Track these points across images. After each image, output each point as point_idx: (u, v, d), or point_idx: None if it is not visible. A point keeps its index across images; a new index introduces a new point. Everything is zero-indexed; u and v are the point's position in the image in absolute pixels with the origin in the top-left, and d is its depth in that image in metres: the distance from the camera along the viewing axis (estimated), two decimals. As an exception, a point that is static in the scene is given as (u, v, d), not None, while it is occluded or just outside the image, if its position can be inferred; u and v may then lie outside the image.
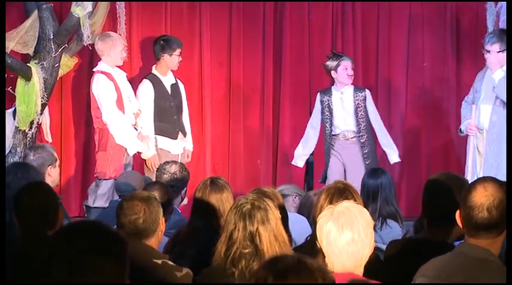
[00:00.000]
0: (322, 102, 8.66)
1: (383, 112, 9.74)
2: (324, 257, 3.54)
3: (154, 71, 8.52)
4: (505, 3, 8.82)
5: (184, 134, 8.65)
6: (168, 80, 8.56)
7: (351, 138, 8.56)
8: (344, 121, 8.57)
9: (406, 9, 9.80)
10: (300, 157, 8.78)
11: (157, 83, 8.46)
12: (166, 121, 8.48)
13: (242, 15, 9.56)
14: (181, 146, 8.60)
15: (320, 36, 9.67)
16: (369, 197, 5.82)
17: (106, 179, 8.12)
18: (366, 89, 8.77)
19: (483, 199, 3.26)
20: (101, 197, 8.10)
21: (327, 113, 8.61)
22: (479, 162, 8.17)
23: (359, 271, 3.36)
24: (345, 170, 8.56)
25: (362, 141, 8.53)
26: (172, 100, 8.54)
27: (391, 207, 6.00)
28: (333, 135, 8.59)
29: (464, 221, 3.34)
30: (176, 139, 8.55)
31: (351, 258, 3.33)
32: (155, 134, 8.43)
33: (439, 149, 9.79)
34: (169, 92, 8.54)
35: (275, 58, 9.66)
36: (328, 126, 8.61)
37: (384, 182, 6.08)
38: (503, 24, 8.79)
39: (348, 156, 8.53)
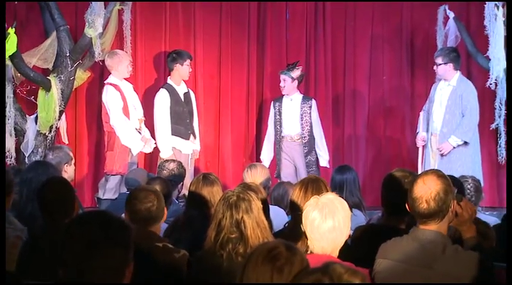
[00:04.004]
0: (274, 107, 8.69)
1: (349, 117, 9.80)
2: (301, 240, 3.57)
3: (169, 81, 8.52)
4: (452, 25, 8.88)
5: (195, 136, 8.64)
6: (181, 89, 8.54)
7: (297, 140, 8.57)
8: (291, 124, 8.57)
9: (369, 30, 9.84)
10: (266, 158, 8.75)
11: (172, 91, 8.44)
12: (180, 124, 8.45)
13: (230, 36, 9.57)
14: (190, 148, 8.56)
15: (295, 53, 9.68)
16: (336, 189, 5.79)
17: (113, 175, 8.13)
18: (313, 99, 8.77)
19: (422, 192, 3.28)
20: (109, 190, 8.10)
21: (278, 116, 8.63)
22: (433, 158, 8.25)
23: (335, 254, 3.38)
24: (295, 169, 8.58)
25: (304, 142, 8.54)
26: (185, 106, 8.52)
27: (355, 198, 6.01)
28: (282, 136, 8.60)
29: (411, 211, 3.36)
30: (188, 140, 8.51)
31: (330, 243, 3.35)
32: (171, 134, 8.40)
33: (396, 149, 9.83)
34: (183, 99, 8.53)
35: (258, 71, 9.67)
36: (278, 128, 8.62)
37: (348, 177, 6.10)
38: (451, 43, 8.86)
39: (296, 156, 8.55)
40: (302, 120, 8.52)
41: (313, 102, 8.65)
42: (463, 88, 8.11)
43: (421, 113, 8.46)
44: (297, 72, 8.58)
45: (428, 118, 8.33)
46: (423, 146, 8.36)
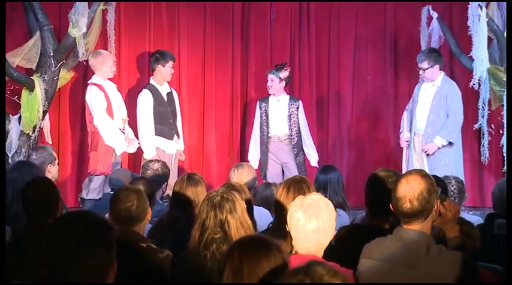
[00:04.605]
0: (260, 108, 8.66)
1: (333, 117, 9.81)
2: (286, 240, 3.57)
3: (151, 81, 8.49)
4: (436, 25, 8.91)
5: (178, 136, 8.61)
6: (164, 89, 8.51)
7: (284, 140, 8.55)
8: (278, 125, 8.56)
9: (352, 31, 9.86)
10: (254, 159, 8.70)
11: (154, 92, 8.41)
12: (164, 124, 8.43)
13: (214, 36, 9.57)
14: (174, 148, 8.54)
15: (280, 53, 9.70)
16: (320, 189, 5.76)
17: (97, 175, 8.10)
18: (300, 100, 8.75)
19: (406, 191, 3.28)
20: (93, 190, 8.07)
21: (264, 117, 8.60)
22: (416, 159, 8.27)
23: (319, 254, 3.38)
24: (283, 169, 8.57)
25: (293, 143, 8.53)
26: (168, 106, 8.49)
27: (339, 198, 6.01)
28: (269, 136, 8.59)
29: (394, 211, 3.37)
30: (172, 140, 8.49)
31: (314, 243, 3.35)
32: (155, 135, 8.38)
33: (380, 149, 9.85)
34: (165, 99, 8.51)
35: (242, 71, 9.67)
36: (265, 128, 8.58)
37: (332, 177, 6.10)
38: (434, 44, 8.89)
39: (283, 157, 8.53)
40: (290, 121, 8.51)
41: (300, 102, 8.65)
42: (448, 88, 8.14)
43: (405, 113, 8.49)
44: (285, 73, 8.58)
45: (411, 118, 8.37)
46: (407, 146, 8.39)
